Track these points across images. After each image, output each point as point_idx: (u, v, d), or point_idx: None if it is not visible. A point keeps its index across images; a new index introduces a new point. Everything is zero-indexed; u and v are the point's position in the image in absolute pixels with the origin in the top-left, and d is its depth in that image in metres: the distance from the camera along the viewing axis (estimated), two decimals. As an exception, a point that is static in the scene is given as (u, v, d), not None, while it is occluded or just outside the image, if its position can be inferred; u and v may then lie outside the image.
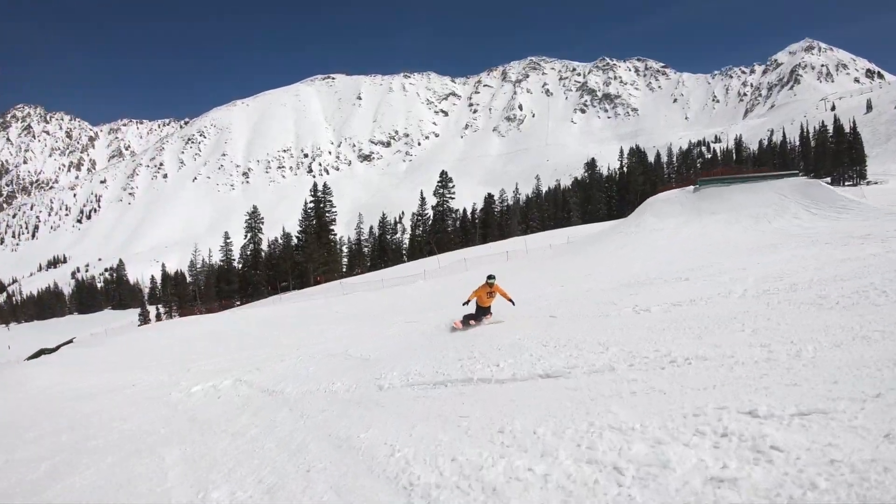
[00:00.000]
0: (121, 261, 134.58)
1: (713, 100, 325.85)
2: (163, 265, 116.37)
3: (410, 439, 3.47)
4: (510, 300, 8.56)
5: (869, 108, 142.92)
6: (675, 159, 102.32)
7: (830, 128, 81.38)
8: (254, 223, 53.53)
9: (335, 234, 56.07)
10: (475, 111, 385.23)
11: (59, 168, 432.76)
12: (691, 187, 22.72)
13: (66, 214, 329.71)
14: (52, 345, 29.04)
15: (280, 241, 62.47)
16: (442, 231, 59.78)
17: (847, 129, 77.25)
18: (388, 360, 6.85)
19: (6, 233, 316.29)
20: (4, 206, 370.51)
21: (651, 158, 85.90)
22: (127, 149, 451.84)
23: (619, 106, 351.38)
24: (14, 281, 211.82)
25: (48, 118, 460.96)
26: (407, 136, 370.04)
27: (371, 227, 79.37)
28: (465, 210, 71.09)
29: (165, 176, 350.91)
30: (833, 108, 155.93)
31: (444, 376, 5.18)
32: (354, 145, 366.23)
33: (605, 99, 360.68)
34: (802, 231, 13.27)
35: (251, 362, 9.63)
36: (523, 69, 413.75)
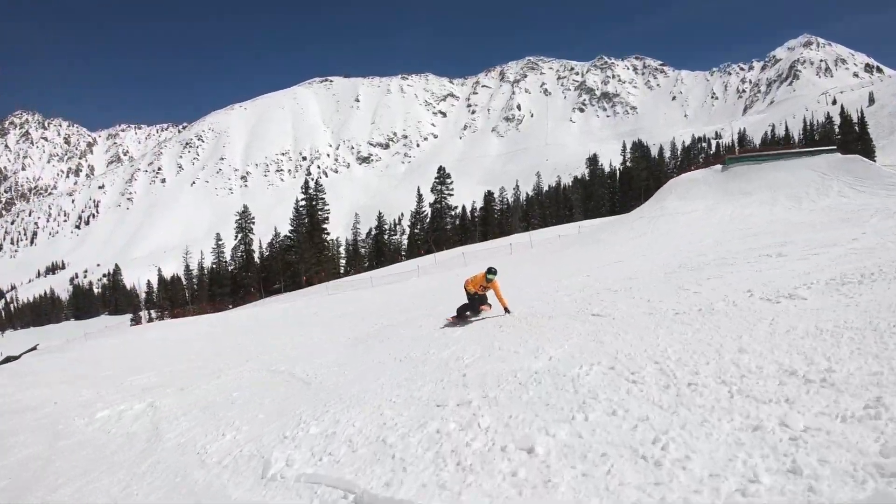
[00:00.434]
0: (117, 265, 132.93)
1: (712, 97, 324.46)
2: (158, 269, 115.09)
3: None
4: (506, 308, 6.81)
5: (871, 101, 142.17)
6: (678, 153, 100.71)
7: (836, 120, 79.89)
8: (244, 223, 51.62)
9: (328, 234, 54.06)
10: (474, 112, 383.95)
11: (58, 174, 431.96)
12: (718, 166, 20.79)
13: (65, 220, 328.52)
14: (17, 352, 27.18)
15: (274, 242, 60.64)
16: (440, 229, 57.91)
17: (854, 121, 75.82)
18: (331, 390, 5.06)
19: (5, 239, 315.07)
20: (3, 212, 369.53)
21: (653, 155, 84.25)
22: (125, 154, 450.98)
23: (618, 105, 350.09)
24: (13, 288, 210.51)
25: (46, 124, 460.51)
26: (405, 137, 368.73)
27: (370, 229, 77.64)
28: (463, 208, 69.22)
29: (164, 181, 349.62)
30: (834, 102, 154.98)
31: (401, 467, 2.76)
32: (353, 147, 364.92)
33: (603, 98, 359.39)
34: (859, 208, 11.37)
35: (184, 379, 7.91)
36: (521, 69, 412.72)
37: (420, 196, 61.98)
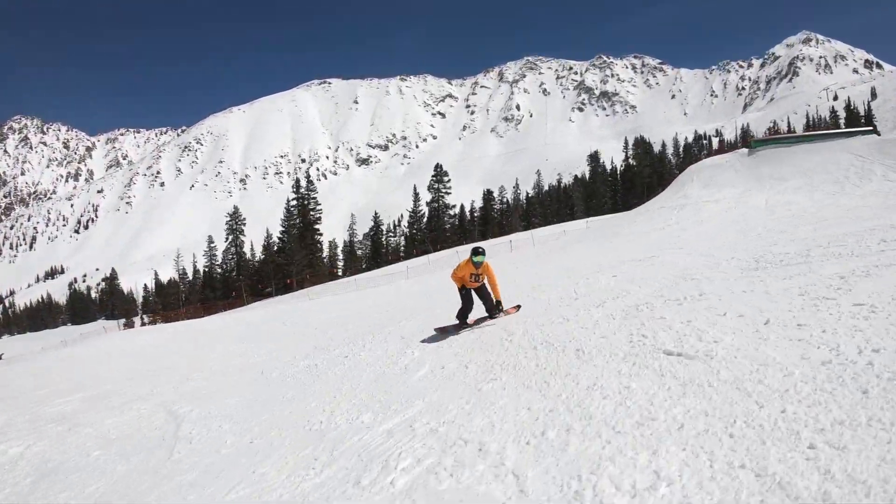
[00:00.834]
0: (113, 269, 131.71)
1: (711, 95, 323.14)
2: (155, 273, 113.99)
3: None
4: (499, 301, 5.64)
5: (874, 96, 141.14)
6: (680, 150, 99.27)
7: (842, 114, 78.41)
8: (235, 225, 50.15)
9: (321, 235, 52.52)
10: (473, 112, 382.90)
11: (57, 179, 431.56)
12: (744, 150, 19.38)
13: (64, 225, 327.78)
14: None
15: (269, 244, 59.14)
16: (438, 228, 56.37)
17: (861, 114, 74.38)
18: (169, 475, 3.58)
19: (4, 244, 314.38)
20: (2, 217, 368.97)
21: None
22: (124, 158, 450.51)
23: (618, 103, 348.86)
24: (12, 293, 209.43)
25: (45, 129, 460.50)
26: (405, 139, 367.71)
27: (369, 230, 76.22)
28: (462, 207, 67.69)
29: (163, 184, 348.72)
30: (836, 98, 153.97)
31: None
32: (352, 149, 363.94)
33: (602, 97, 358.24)
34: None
35: (95, 409, 6.41)
36: (520, 69, 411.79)
37: (416, 195, 60.46)
